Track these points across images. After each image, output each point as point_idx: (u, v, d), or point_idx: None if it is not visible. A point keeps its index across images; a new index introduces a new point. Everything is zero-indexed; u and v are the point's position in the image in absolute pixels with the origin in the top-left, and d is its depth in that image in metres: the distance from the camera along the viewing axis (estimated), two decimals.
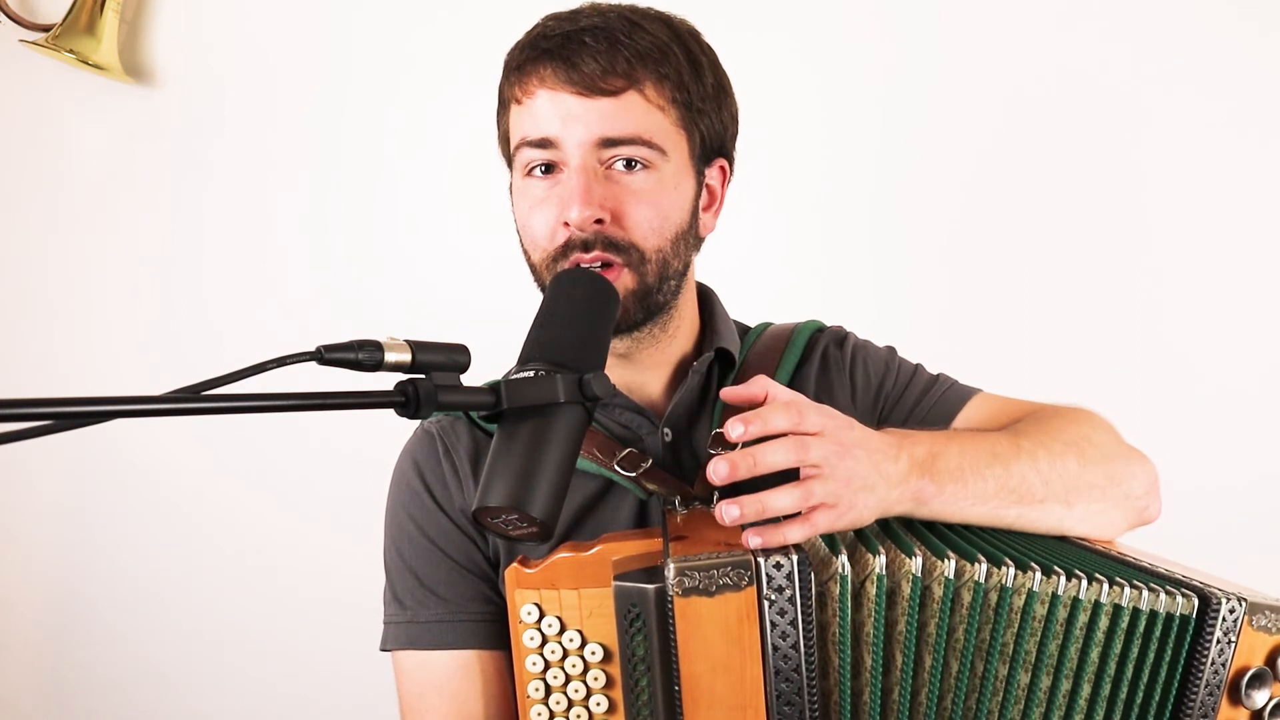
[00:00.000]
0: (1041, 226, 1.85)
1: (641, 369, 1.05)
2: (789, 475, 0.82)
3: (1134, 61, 1.82)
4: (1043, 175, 1.85)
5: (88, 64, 1.90)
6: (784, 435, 0.81)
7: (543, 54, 0.95)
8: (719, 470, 0.79)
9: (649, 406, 1.05)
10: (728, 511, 0.79)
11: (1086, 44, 1.83)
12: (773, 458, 0.80)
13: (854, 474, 0.81)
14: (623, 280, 0.96)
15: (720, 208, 1.07)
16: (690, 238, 1.02)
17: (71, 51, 1.89)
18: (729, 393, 0.87)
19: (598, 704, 0.86)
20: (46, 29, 1.92)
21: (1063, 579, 0.82)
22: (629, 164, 0.96)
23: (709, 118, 1.01)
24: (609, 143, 0.95)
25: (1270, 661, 0.84)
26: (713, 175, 1.05)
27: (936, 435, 0.91)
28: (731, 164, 1.07)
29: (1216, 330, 1.83)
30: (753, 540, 0.79)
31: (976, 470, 0.89)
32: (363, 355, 0.68)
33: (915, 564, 0.80)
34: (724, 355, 1.07)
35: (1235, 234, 1.82)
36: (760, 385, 0.85)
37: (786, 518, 0.81)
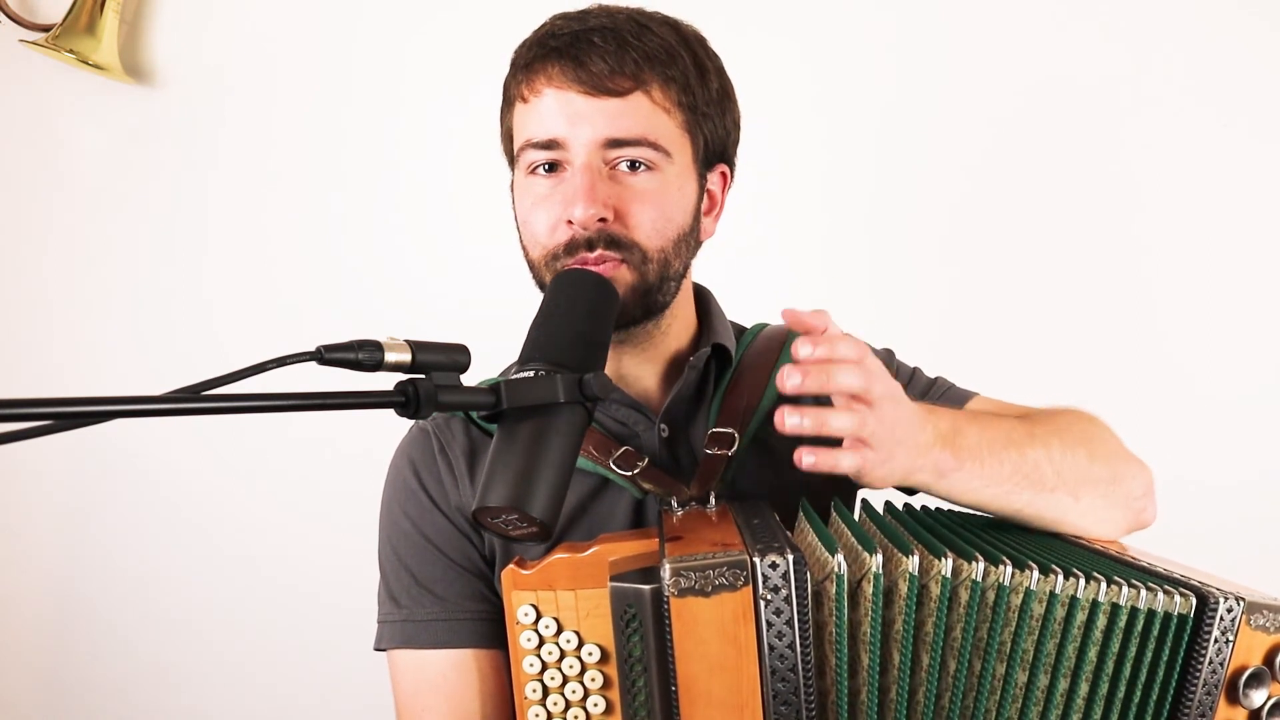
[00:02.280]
0: (1040, 227, 1.85)
1: (637, 365, 1.05)
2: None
3: (1133, 60, 1.82)
4: (1041, 176, 1.85)
5: (88, 64, 1.90)
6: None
7: (551, 52, 0.96)
8: (791, 378, 0.77)
9: (645, 402, 1.05)
10: (789, 419, 0.77)
11: (1087, 43, 1.83)
12: (845, 379, 0.78)
13: (898, 423, 0.81)
14: (623, 276, 0.96)
15: (720, 213, 1.07)
16: (691, 240, 1.02)
17: (71, 51, 1.89)
18: (790, 312, 0.84)
19: (595, 705, 0.86)
20: (46, 29, 1.92)
21: (1060, 577, 0.82)
22: (633, 165, 0.96)
23: (713, 122, 1.01)
24: (615, 143, 0.95)
25: (1268, 661, 0.84)
26: (714, 180, 1.05)
27: (957, 413, 0.91)
28: (733, 170, 1.07)
29: (1216, 329, 1.82)
30: (806, 459, 0.77)
31: (994, 452, 0.89)
32: (363, 355, 0.68)
33: (912, 563, 0.80)
34: (721, 352, 1.07)
35: (1233, 233, 1.82)
36: (823, 318, 0.84)
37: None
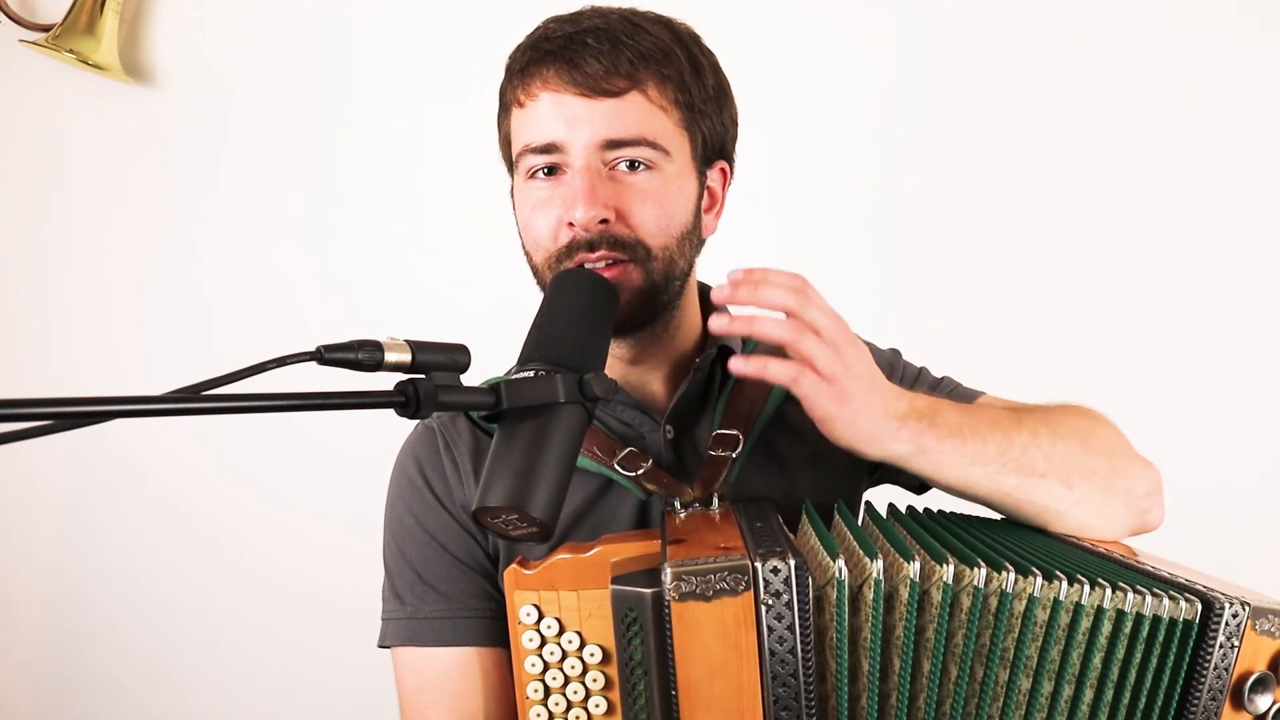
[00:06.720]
0: (1041, 226, 1.85)
1: (643, 368, 1.05)
2: None
3: (1131, 60, 1.82)
4: (1042, 175, 1.85)
5: (88, 64, 1.90)
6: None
7: (545, 56, 0.95)
8: (721, 290, 0.84)
9: (651, 404, 1.05)
10: (734, 363, 0.83)
11: (1086, 43, 1.83)
12: (772, 294, 0.84)
13: (860, 362, 0.84)
14: (630, 277, 0.96)
15: (721, 209, 1.07)
16: (694, 238, 1.02)
17: (71, 51, 1.89)
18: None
19: (596, 706, 0.86)
20: (46, 29, 1.92)
21: (1064, 584, 0.81)
22: (632, 164, 0.96)
23: (710, 119, 1.01)
24: (613, 144, 0.95)
25: (1274, 666, 0.84)
26: (713, 177, 1.05)
27: (939, 398, 0.92)
28: (731, 166, 1.07)
29: (1218, 329, 1.82)
30: (734, 365, 0.84)
31: (977, 433, 0.89)
32: (363, 355, 0.68)
33: (913, 568, 0.79)
34: (726, 353, 1.07)
35: (1235, 232, 1.81)
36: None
37: None
